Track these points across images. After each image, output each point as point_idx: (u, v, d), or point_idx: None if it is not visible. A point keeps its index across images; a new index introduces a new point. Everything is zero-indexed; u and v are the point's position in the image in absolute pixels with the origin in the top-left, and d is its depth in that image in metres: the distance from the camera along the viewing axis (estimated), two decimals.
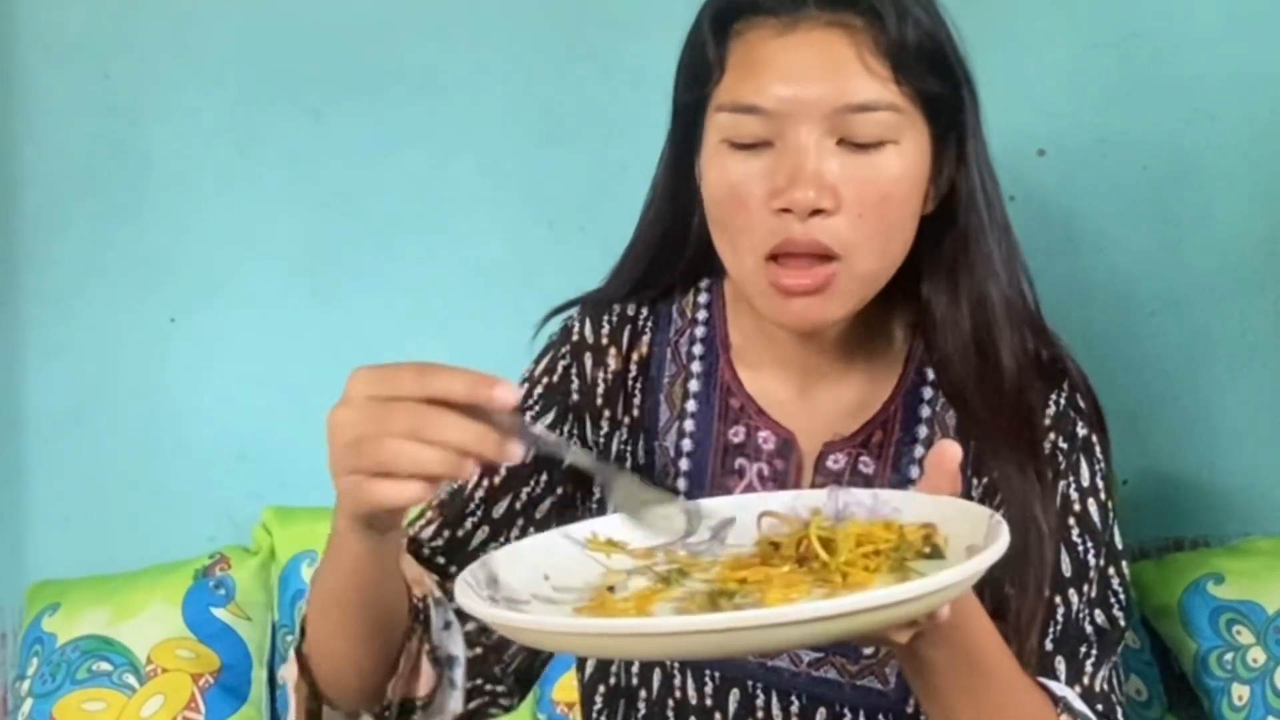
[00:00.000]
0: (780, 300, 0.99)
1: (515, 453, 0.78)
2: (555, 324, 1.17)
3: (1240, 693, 1.57)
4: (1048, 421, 1.06)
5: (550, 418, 1.11)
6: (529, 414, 1.11)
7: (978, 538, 0.82)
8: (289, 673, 1.00)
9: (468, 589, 0.79)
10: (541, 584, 0.84)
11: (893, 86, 0.97)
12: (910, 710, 1.04)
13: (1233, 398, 1.75)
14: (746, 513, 0.91)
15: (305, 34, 1.78)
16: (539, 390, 1.12)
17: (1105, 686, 1.03)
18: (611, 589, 0.84)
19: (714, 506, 0.92)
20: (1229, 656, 1.59)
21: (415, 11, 1.78)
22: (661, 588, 0.84)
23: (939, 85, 1.00)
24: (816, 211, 0.96)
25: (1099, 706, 1.03)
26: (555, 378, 1.12)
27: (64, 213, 1.80)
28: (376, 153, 1.79)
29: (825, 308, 0.99)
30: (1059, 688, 1.00)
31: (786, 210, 0.97)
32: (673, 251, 1.12)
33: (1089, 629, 1.04)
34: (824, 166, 0.96)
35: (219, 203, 1.80)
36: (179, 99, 1.79)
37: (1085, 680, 1.03)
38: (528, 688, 1.11)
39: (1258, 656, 1.58)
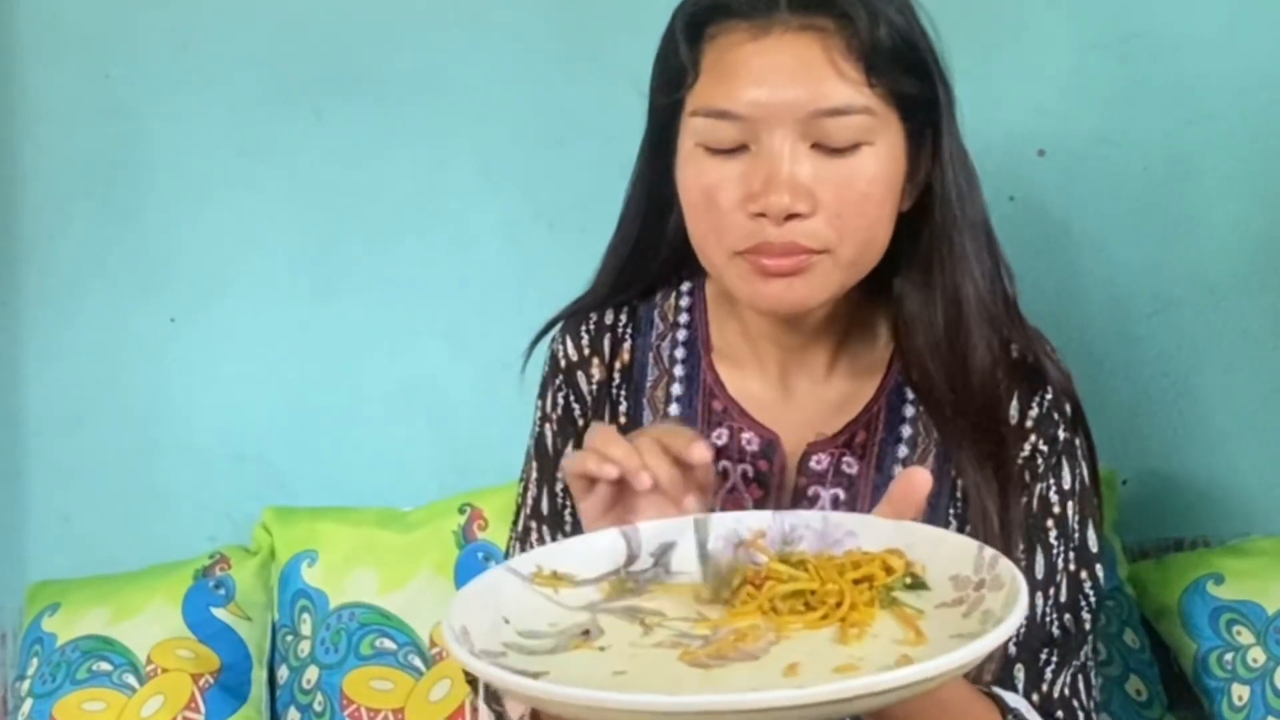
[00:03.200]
0: (759, 282, 0.99)
1: (690, 504, 0.90)
2: (545, 347, 1.17)
3: (1240, 693, 1.57)
4: (1029, 424, 1.06)
5: (570, 449, 1.12)
6: (557, 452, 1.14)
7: (959, 567, 0.81)
8: None
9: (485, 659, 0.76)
10: (505, 629, 0.82)
11: (866, 90, 0.97)
12: None
13: (1233, 398, 1.75)
14: (687, 536, 0.91)
15: (305, 34, 1.78)
16: (554, 428, 1.13)
17: (1066, 692, 1.03)
18: (587, 633, 0.82)
19: (652, 531, 0.91)
20: (1229, 656, 1.59)
21: (415, 11, 1.77)
22: (642, 632, 0.82)
23: (913, 85, 1.00)
24: (792, 215, 0.96)
25: (1059, 713, 1.03)
26: (561, 410, 1.13)
27: (64, 213, 1.80)
28: (376, 153, 1.79)
29: (804, 290, 0.99)
30: (1012, 698, 1.00)
31: (761, 214, 0.97)
32: (650, 251, 1.13)
33: (1055, 632, 1.04)
34: (798, 170, 0.96)
35: (219, 203, 1.80)
36: (179, 99, 1.79)
37: (1044, 687, 1.03)
38: None
39: (1258, 656, 1.58)
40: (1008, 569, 0.79)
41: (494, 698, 1.06)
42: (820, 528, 0.88)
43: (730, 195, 0.98)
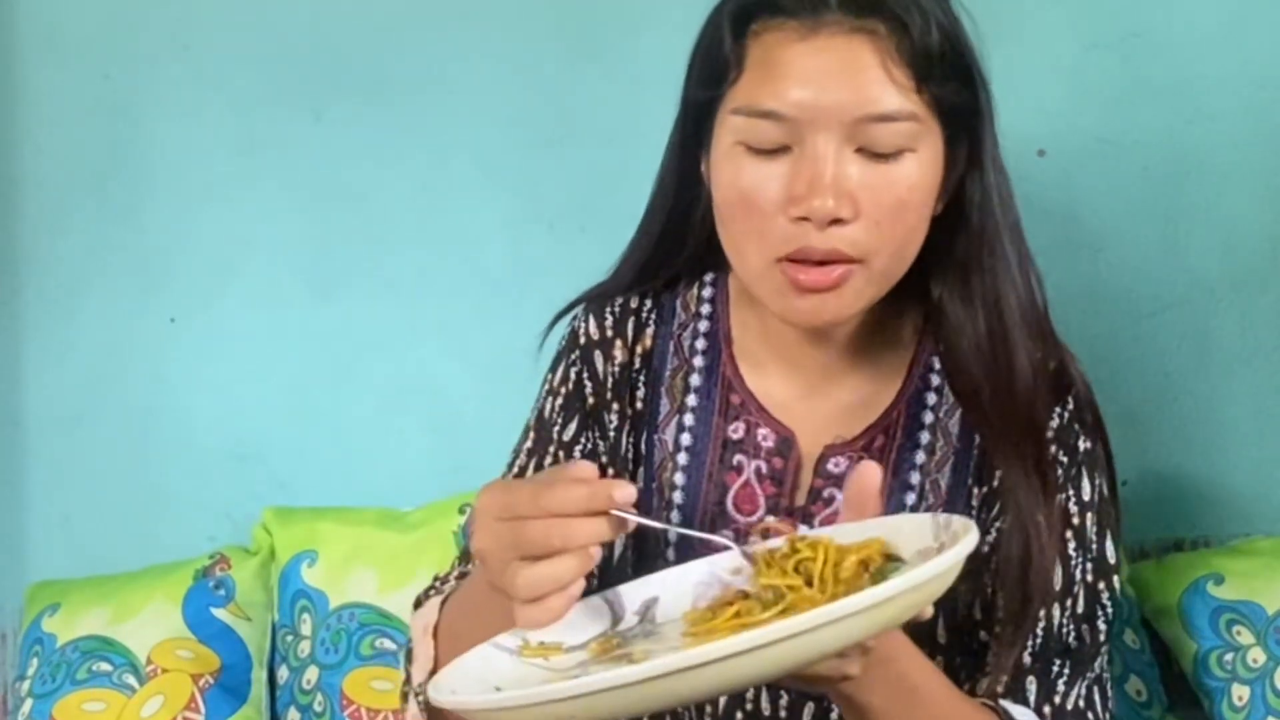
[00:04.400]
0: (794, 296, 0.98)
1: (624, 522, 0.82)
2: (563, 326, 1.17)
3: (1240, 693, 1.57)
4: (1050, 434, 1.06)
5: (573, 427, 1.11)
6: (555, 426, 1.12)
7: (921, 541, 0.82)
8: None
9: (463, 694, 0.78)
10: (497, 697, 0.81)
11: (914, 96, 0.96)
12: None
13: (1233, 398, 1.75)
14: (668, 588, 0.91)
15: (305, 34, 1.78)
16: (559, 401, 1.12)
17: (1080, 703, 1.03)
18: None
19: (633, 590, 0.92)
20: (1229, 657, 1.59)
21: (415, 11, 1.77)
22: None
23: (958, 92, 0.99)
24: (835, 221, 0.95)
25: None
26: (570, 385, 1.12)
27: (64, 213, 1.80)
28: (376, 153, 1.79)
29: (839, 305, 0.98)
30: (1020, 712, 0.99)
31: (804, 218, 0.96)
32: (675, 243, 1.12)
33: (1072, 643, 1.03)
34: (843, 174, 0.95)
35: (219, 203, 1.80)
36: (179, 99, 1.79)
37: (1056, 699, 1.02)
38: None
39: (1258, 657, 1.58)
40: (960, 520, 0.80)
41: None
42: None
43: (771, 198, 0.96)
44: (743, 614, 0.83)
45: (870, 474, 0.86)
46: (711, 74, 1.01)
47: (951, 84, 0.98)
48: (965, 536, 0.77)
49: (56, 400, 1.82)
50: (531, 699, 0.73)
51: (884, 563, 0.83)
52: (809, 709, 1.06)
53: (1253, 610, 1.60)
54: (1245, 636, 1.59)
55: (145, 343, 1.81)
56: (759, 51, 0.98)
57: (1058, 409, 1.06)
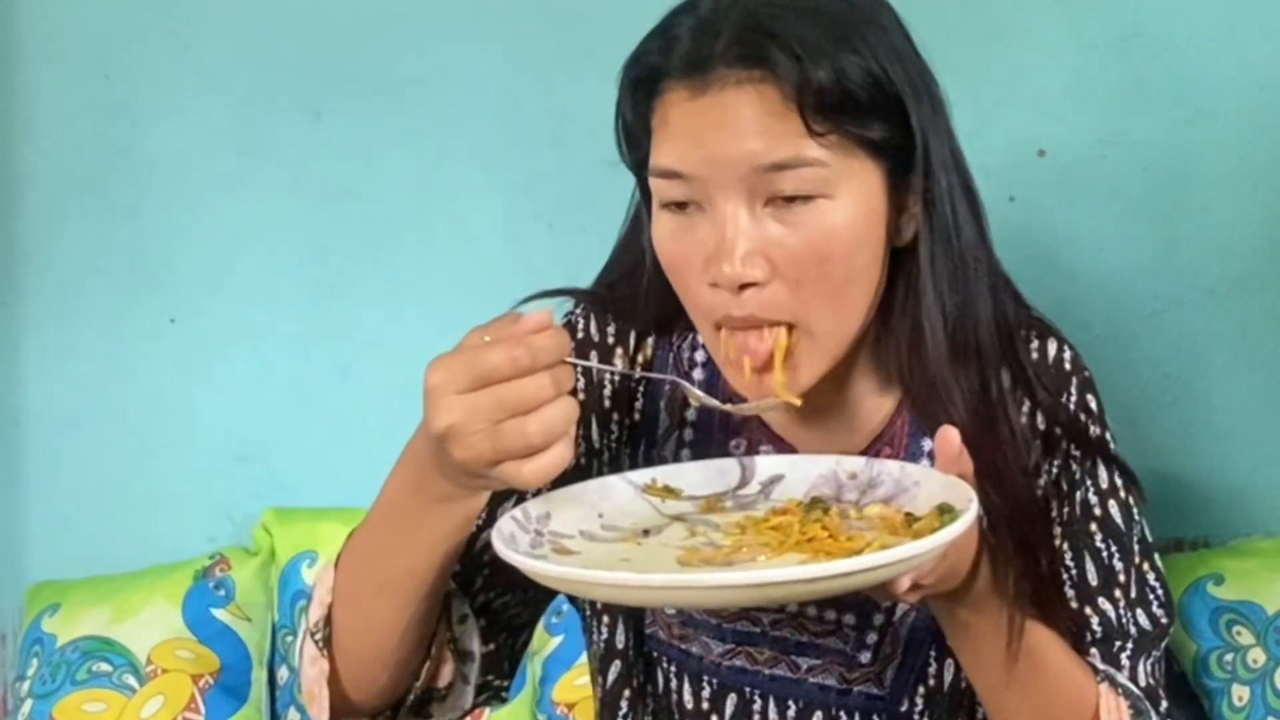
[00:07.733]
0: (737, 374, 0.95)
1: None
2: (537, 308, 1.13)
3: (1240, 693, 1.58)
4: (1059, 431, 1.05)
5: None
6: None
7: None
8: (315, 669, 0.94)
9: (513, 524, 0.85)
10: (593, 522, 0.89)
11: (810, 141, 0.90)
12: (904, 710, 1.03)
13: (1233, 398, 1.75)
14: (795, 471, 0.96)
15: (305, 34, 1.78)
16: None
17: (1150, 681, 1.02)
18: (646, 532, 0.89)
19: (769, 462, 0.97)
20: (1229, 657, 1.59)
21: (415, 11, 1.78)
22: (685, 536, 0.90)
23: (878, 127, 0.93)
24: (748, 285, 0.91)
25: (1146, 704, 1.02)
26: None
27: (64, 213, 1.80)
28: (376, 153, 1.79)
29: (792, 379, 0.94)
30: (1099, 663, 1.00)
31: (716, 284, 0.92)
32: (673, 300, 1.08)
33: (1133, 631, 1.03)
34: (748, 235, 0.91)
35: (219, 203, 1.80)
36: (179, 99, 1.79)
37: (1124, 674, 1.03)
38: (515, 673, 1.10)
39: (1258, 657, 1.58)
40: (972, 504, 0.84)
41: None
42: (898, 475, 0.92)
43: (692, 261, 0.94)
44: (779, 528, 0.88)
45: (945, 437, 0.86)
46: (628, 139, 1.02)
47: (871, 122, 0.92)
48: (954, 523, 0.80)
49: (56, 400, 1.82)
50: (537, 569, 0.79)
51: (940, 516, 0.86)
52: (817, 716, 1.06)
53: (1253, 610, 1.60)
54: (1245, 637, 1.59)
55: (145, 343, 1.81)
56: (660, 113, 0.96)
57: (1068, 394, 1.05)
